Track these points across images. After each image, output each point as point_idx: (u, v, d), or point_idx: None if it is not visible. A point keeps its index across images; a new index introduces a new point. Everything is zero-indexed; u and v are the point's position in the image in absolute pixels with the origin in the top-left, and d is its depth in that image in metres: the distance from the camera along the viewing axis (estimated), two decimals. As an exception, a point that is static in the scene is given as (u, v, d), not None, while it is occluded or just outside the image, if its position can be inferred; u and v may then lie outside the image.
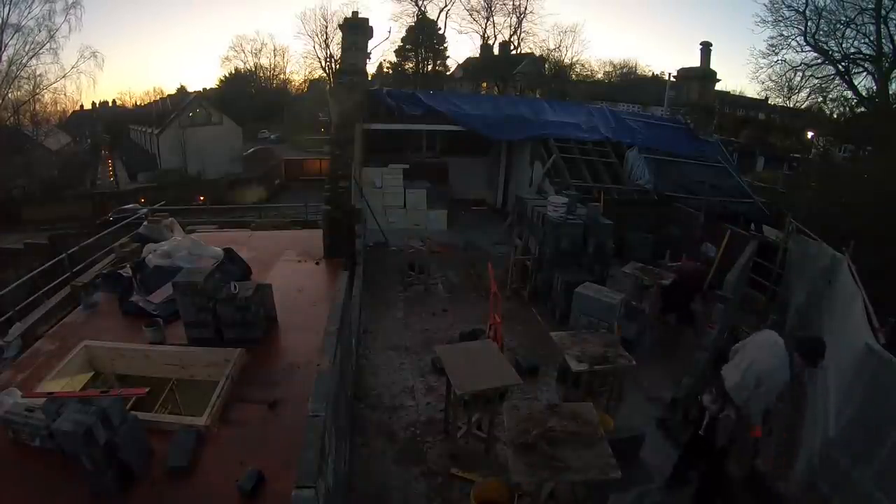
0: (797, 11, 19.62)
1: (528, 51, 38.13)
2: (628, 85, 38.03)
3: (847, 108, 20.75)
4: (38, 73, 25.77)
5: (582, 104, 17.35)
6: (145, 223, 8.15)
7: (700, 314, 7.13)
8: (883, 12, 17.76)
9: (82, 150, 36.39)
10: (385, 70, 40.58)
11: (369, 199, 10.83)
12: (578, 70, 40.65)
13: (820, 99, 21.24)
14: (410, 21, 38.37)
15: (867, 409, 3.50)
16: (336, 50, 38.63)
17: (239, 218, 14.03)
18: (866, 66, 19.30)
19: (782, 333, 5.65)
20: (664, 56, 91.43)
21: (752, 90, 54.91)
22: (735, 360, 3.82)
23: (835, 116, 21.70)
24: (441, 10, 38.34)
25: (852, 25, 18.63)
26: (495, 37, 38.28)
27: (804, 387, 4.33)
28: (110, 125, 45.40)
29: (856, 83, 19.78)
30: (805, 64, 20.44)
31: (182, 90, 47.28)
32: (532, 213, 8.14)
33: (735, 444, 3.86)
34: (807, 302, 5.65)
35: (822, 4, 19.42)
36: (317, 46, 45.09)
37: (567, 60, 39.56)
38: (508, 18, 37.87)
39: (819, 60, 19.99)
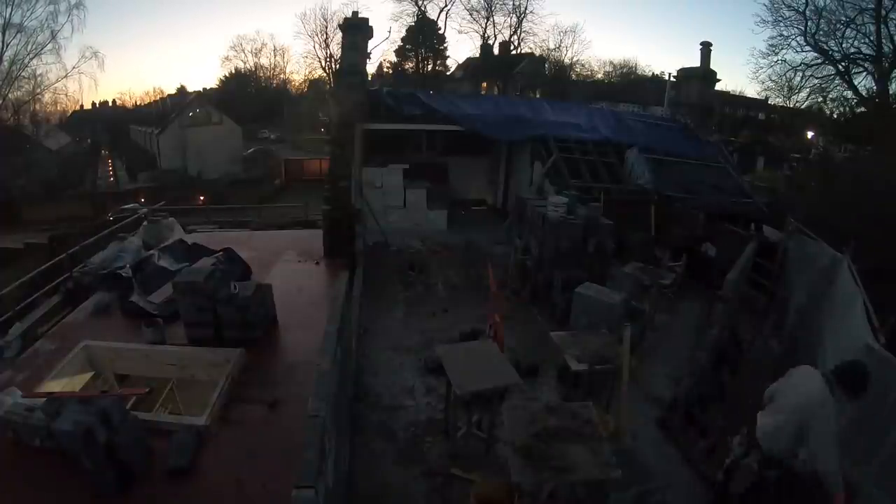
0: (797, 11, 19.69)
1: (528, 51, 38.17)
2: (628, 85, 38.05)
3: (847, 108, 20.81)
4: (38, 73, 25.86)
5: (582, 104, 17.34)
6: (145, 224, 8.14)
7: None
8: (883, 12, 17.81)
9: (82, 150, 36.38)
10: (385, 70, 40.56)
11: (369, 199, 10.83)
12: (578, 70, 40.74)
13: (820, 99, 21.32)
14: (410, 21, 38.37)
15: (867, 409, 3.50)
16: (336, 50, 38.64)
17: (239, 218, 14.03)
18: (866, 66, 19.35)
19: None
20: (664, 56, 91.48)
21: (752, 90, 54.90)
22: (772, 406, 3.30)
23: (835, 116, 21.74)
24: (441, 10, 38.31)
25: (852, 25, 18.68)
26: (495, 37, 38.25)
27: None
28: (110, 125, 45.39)
29: (856, 83, 19.85)
30: (805, 64, 20.51)
31: (182, 90, 47.38)
32: (532, 213, 8.13)
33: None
34: (807, 302, 5.64)
35: (822, 4, 19.47)
36: (317, 46, 45.21)
37: (567, 60, 39.66)
38: (508, 18, 37.76)
39: (819, 60, 20.03)
